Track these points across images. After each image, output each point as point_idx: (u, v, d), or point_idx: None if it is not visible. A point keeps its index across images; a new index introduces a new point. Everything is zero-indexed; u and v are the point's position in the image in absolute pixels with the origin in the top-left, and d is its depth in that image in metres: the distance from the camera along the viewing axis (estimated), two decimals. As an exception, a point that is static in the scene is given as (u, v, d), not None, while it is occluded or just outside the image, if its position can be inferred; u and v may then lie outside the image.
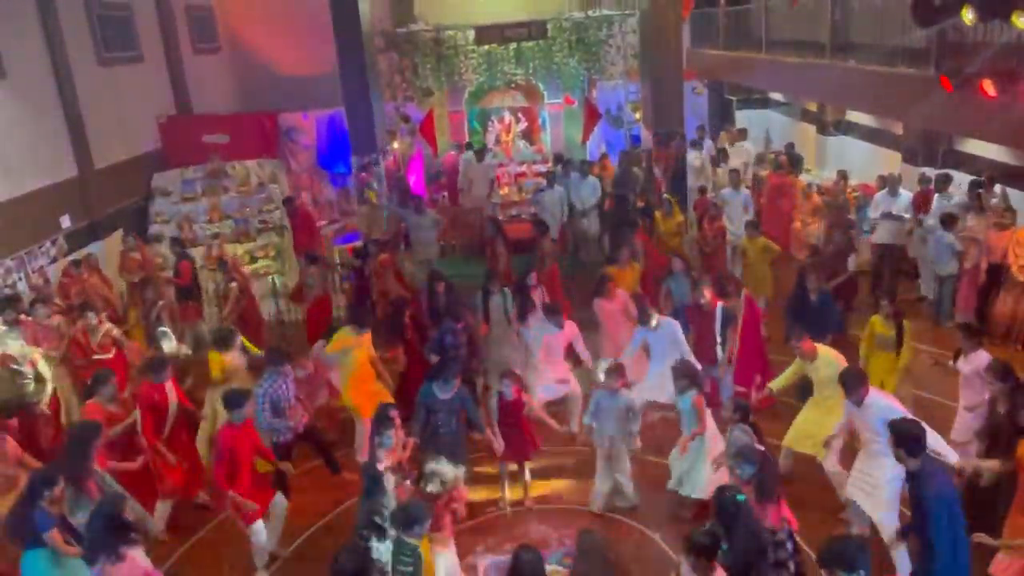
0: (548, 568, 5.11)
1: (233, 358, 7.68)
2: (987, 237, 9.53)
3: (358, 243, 12.38)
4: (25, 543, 5.27)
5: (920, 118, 9.62)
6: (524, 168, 16.24)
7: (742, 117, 17.91)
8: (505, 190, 15.67)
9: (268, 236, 13.14)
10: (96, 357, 8.34)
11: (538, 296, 8.92)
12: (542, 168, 15.66)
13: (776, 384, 7.07)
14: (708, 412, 6.65)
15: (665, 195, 12.54)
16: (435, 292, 9.05)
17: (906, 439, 4.85)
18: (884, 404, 5.80)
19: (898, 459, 4.94)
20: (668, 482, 6.86)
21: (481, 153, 14.58)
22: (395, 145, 15.60)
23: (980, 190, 10.30)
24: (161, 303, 10.00)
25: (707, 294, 8.07)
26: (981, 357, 6.40)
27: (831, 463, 6.45)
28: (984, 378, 6.11)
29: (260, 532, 6.32)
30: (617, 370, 6.85)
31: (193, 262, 11.00)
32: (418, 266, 12.43)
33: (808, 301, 8.17)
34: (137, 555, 5.04)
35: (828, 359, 6.59)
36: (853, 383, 5.85)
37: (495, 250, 11.14)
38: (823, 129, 15.95)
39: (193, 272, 10.84)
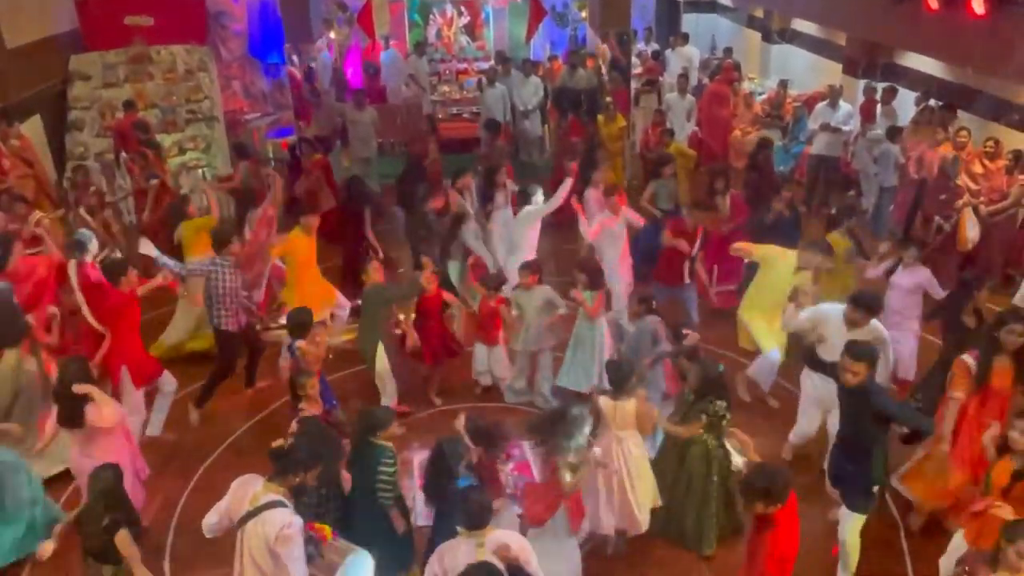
0: None
1: None
2: (923, 152, 9.71)
3: (291, 138, 11.99)
4: None
5: (863, 28, 9.62)
6: (465, 66, 15.79)
7: (689, 20, 17.63)
8: (445, 88, 15.26)
9: (197, 127, 12.54)
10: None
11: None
12: (484, 66, 15.24)
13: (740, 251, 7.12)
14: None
15: (607, 99, 12.41)
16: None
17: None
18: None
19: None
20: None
21: (421, 48, 14.06)
22: (332, 35, 14.95)
23: (927, 104, 10.44)
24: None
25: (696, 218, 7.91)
26: (921, 271, 6.61)
27: None
28: (924, 291, 6.47)
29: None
30: (530, 267, 7.02)
31: (159, 149, 10.49)
32: (355, 164, 12.14)
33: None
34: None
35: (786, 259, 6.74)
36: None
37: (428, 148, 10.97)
38: (768, 37, 15.85)
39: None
